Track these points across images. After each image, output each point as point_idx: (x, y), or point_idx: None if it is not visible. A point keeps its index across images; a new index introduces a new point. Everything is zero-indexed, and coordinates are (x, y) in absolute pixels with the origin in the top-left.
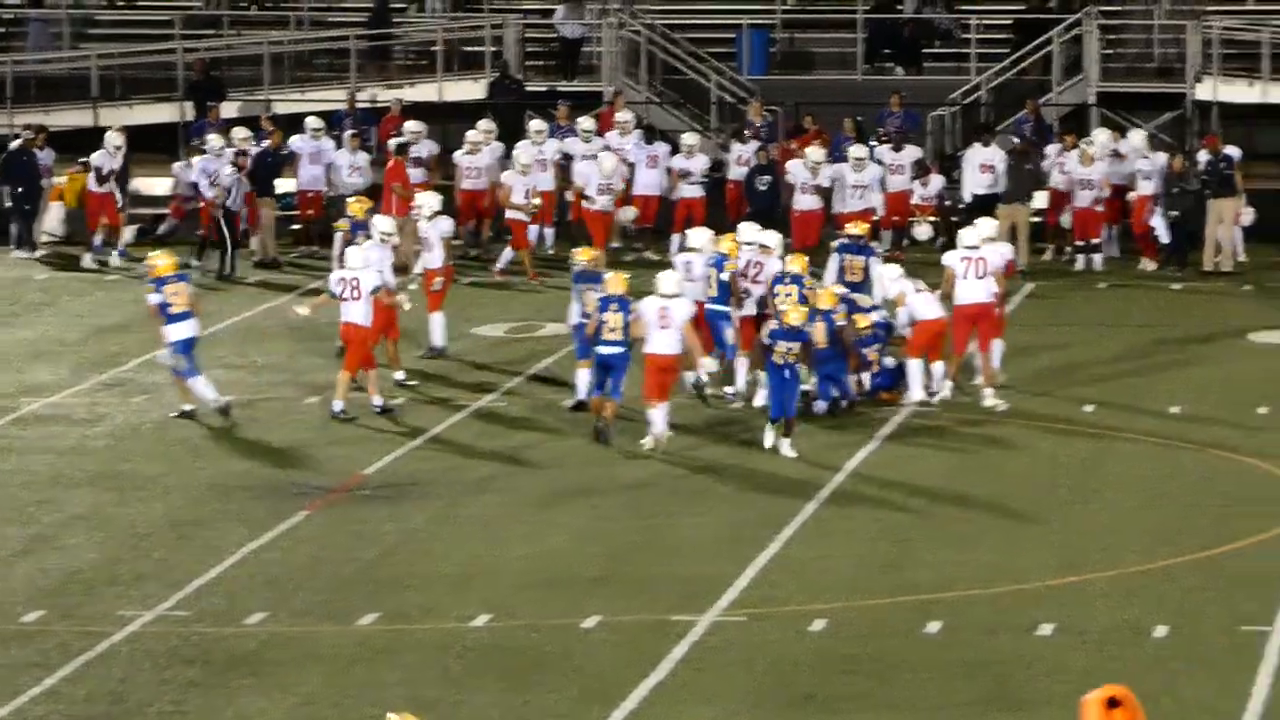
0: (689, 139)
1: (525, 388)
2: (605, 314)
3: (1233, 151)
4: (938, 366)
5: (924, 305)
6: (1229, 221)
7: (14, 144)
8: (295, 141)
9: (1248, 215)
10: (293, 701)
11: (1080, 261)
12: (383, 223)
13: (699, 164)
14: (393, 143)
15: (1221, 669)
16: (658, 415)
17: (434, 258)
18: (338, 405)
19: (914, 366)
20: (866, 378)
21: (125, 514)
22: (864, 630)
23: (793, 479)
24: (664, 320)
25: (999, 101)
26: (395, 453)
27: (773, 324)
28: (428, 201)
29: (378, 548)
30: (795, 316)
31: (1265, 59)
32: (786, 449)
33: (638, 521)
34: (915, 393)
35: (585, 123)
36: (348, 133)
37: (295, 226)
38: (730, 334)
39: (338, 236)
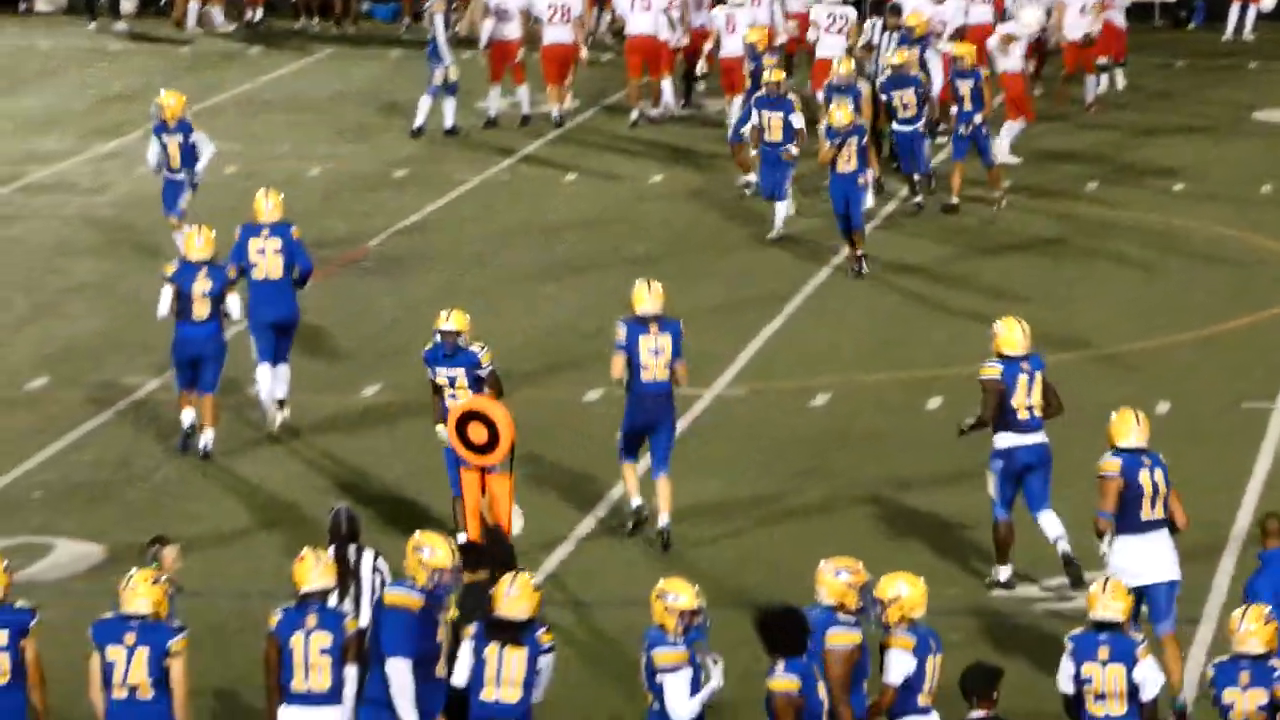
0: None
1: (523, 168)
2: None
3: None
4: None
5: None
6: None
7: None
8: None
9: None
10: (295, 470)
11: (1102, 82)
12: None
13: None
14: None
15: (1222, 445)
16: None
17: (512, 29)
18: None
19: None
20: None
21: (130, 283)
22: (865, 406)
23: (794, 258)
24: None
25: None
26: (397, 225)
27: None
28: None
29: (380, 321)
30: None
31: None
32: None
33: None
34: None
35: None
36: None
37: None
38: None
39: (438, 19)
